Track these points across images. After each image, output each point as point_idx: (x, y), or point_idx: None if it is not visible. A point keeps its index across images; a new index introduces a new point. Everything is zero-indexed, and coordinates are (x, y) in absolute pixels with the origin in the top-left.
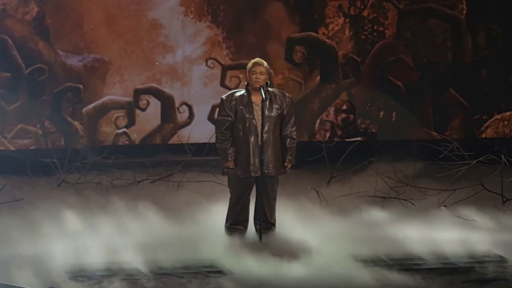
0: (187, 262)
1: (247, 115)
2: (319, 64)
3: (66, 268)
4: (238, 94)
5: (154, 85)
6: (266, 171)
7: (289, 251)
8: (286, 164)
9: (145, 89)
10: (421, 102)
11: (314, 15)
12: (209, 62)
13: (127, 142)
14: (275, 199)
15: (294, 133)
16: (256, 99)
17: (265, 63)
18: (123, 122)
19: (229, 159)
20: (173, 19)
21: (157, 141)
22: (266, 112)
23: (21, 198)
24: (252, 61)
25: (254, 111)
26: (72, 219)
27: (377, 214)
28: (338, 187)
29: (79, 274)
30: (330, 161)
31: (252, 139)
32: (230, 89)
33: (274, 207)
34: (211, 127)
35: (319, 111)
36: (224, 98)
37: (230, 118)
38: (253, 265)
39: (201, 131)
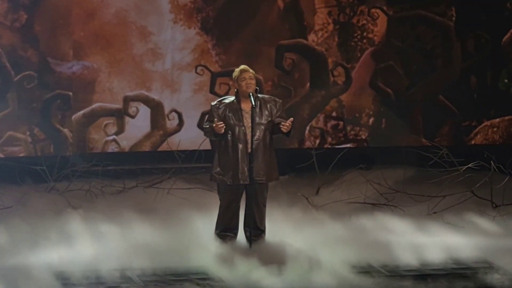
0: (177, 269)
1: (236, 122)
2: (308, 71)
3: (54, 276)
4: (227, 101)
5: (144, 92)
6: (257, 178)
7: (279, 258)
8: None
9: (134, 96)
10: (411, 109)
11: (303, 22)
12: (199, 69)
13: (116, 149)
14: (265, 206)
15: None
16: (245, 106)
17: (250, 69)
18: (112, 129)
19: (213, 124)
20: (163, 26)
21: (147, 148)
22: (257, 119)
23: (10, 206)
24: (238, 69)
25: (244, 118)
26: (61, 227)
27: (367, 221)
28: (328, 194)
29: (67, 282)
30: (320, 168)
31: (241, 147)
32: (220, 96)
33: (264, 214)
34: (201, 134)
35: (308, 118)
36: (213, 104)
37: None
38: (243, 272)
39: (190, 138)
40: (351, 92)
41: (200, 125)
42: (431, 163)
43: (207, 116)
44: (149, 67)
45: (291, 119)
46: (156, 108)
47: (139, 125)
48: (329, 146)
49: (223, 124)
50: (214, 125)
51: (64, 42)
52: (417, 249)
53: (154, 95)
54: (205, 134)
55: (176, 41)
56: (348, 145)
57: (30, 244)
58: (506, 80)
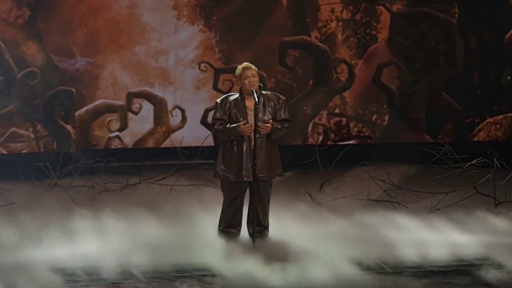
0: (180, 266)
1: (240, 119)
2: (312, 67)
3: (57, 272)
4: (232, 97)
5: (147, 88)
6: (260, 175)
7: (282, 255)
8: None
9: (137, 92)
10: (414, 106)
11: (306, 19)
12: (202, 65)
13: (119, 146)
14: (268, 203)
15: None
16: (249, 103)
17: (253, 66)
18: (115, 125)
19: (236, 127)
20: (166, 23)
21: (150, 145)
22: (260, 116)
23: (14, 202)
24: (240, 66)
25: (248, 116)
26: (64, 223)
27: (370, 218)
28: (331, 190)
29: (70, 278)
30: (323, 164)
31: (244, 144)
32: (223, 93)
33: (267, 211)
34: (204, 131)
35: (312, 114)
36: (219, 101)
37: (223, 121)
38: (246, 268)
39: (194, 134)
40: (354, 89)
41: (203, 122)
42: (434, 159)
43: (214, 114)
44: (152, 64)
45: (271, 121)
46: (159, 105)
47: (142, 121)
48: (332, 143)
49: (250, 126)
50: (240, 126)
51: (67, 38)
52: (420, 246)
53: (157, 92)
54: (222, 135)
55: (179, 38)
56: (351, 142)
57: (33, 241)
58: (509, 77)
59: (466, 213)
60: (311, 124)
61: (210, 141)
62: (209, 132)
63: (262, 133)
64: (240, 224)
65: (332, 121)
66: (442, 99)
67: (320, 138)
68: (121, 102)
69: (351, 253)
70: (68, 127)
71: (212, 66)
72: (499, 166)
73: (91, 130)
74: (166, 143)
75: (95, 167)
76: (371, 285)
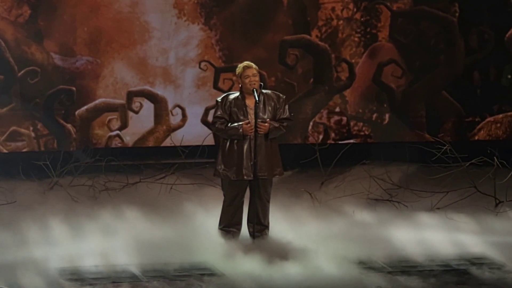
0: (180, 265)
1: (241, 118)
2: (312, 66)
3: (59, 271)
4: (232, 96)
5: (147, 87)
6: (259, 174)
7: (282, 254)
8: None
9: (138, 91)
10: (414, 105)
11: (307, 18)
12: (202, 64)
13: (120, 145)
14: (268, 202)
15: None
16: (250, 102)
17: (254, 65)
18: (116, 124)
19: (238, 126)
20: (166, 22)
21: (150, 144)
22: (260, 115)
23: (14, 201)
24: (241, 65)
25: (248, 114)
26: (64, 222)
27: (370, 217)
28: (331, 189)
29: (71, 278)
30: (323, 163)
31: (245, 142)
32: (223, 92)
33: (268, 210)
34: (205, 130)
35: (312, 113)
36: (219, 100)
37: (224, 120)
38: (246, 267)
39: (194, 133)
40: (355, 87)
41: (204, 121)
42: (434, 158)
43: (214, 112)
44: (152, 63)
45: (268, 120)
46: (159, 104)
47: (142, 120)
48: (333, 142)
49: (251, 125)
50: (242, 126)
51: (67, 37)
52: (420, 245)
53: (157, 91)
54: (223, 134)
55: (180, 37)
56: (352, 141)
57: (33, 240)
58: (509, 76)
59: (466, 212)
60: (311, 123)
61: (210, 140)
62: (210, 131)
63: (259, 132)
64: (240, 223)
65: (332, 120)
66: (442, 98)
67: (320, 137)
68: (122, 101)
69: (351, 252)
70: (69, 126)
71: (212, 65)
72: (499, 165)
73: (92, 129)
74: (167, 142)
75: (96, 166)
76: (371, 284)
